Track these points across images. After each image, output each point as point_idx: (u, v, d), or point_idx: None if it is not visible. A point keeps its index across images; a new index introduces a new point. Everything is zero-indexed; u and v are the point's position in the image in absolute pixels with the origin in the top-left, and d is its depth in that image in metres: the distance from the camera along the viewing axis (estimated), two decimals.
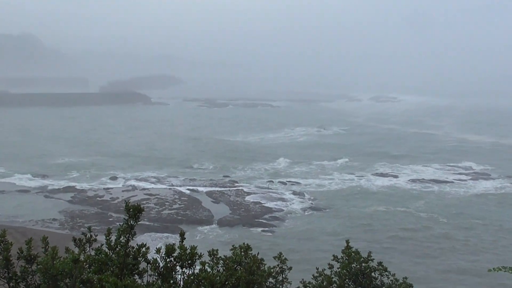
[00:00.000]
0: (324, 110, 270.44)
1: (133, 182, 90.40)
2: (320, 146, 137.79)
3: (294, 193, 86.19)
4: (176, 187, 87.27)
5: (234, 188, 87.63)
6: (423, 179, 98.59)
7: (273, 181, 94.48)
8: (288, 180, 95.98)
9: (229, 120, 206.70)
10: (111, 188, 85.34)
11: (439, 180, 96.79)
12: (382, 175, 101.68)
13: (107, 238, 11.39)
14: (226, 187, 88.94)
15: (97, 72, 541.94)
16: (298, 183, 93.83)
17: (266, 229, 67.68)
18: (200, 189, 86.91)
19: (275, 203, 79.67)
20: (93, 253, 11.23)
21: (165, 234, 64.09)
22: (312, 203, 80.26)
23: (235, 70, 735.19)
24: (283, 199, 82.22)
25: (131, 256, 10.99)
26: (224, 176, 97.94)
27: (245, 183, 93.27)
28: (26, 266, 11.30)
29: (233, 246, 12.28)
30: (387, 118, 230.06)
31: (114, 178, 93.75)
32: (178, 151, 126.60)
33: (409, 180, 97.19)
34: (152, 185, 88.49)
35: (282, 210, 76.17)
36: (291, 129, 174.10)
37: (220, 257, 11.49)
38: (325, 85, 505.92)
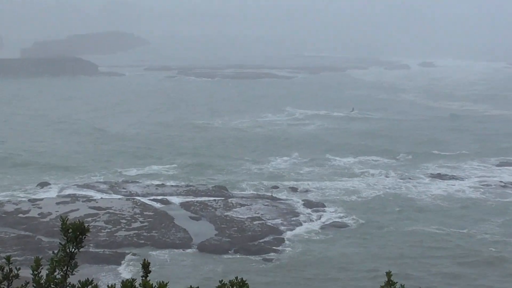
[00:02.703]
0: (356, 81, 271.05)
1: (72, 190, 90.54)
2: (347, 136, 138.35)
3: (309, 204, 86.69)
4: (137, 197, 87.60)
5: (222, 198, 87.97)
6: (502, 182, 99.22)
7: (278, 187, 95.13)
8: (300, 184, 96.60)
9: (216, 97, 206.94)
10: (40, 200, 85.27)
11: None
12: (440, 177, 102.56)
13: (35, 272, 11.40)
14: (210, 195, 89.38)
15: (18, 28, 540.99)
16: (314, 189, 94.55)
17: (269, 256, 68.21)
18: (172, 199, 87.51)
19: (281, 219, 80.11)
20: None
21: (121, 266, 64.42)
22: (334, 219, 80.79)
23: (224, 25, 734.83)
24: (293, 213, 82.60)
25: None
26: (207, 180, 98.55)
27: (237, 190, 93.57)
28: None
29: (220, 282, 12.31)
30: (451, 92, 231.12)
31: (44, 184, 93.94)
32: (138, 142, 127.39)
33: (479, 185, 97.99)
34: (102, 195, 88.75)
35: (292, 229, 76.74)
36: (306, 111, 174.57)
37: None
38: (353, 47, 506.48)
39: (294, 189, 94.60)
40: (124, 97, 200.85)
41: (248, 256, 68.38)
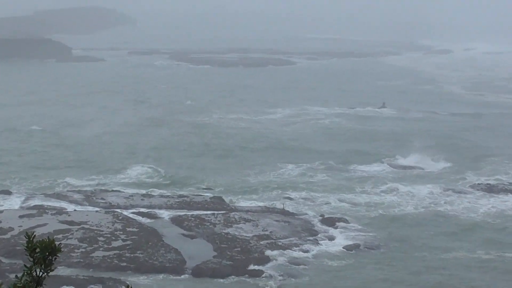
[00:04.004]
0: (388, 70, 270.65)
1: (39, 201, 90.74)
2: (375, 138, 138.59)
3: (328, 219, 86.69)
4: (118, 210, 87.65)
5: (222, 212, 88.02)
6: None
7: (291, 198, 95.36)
8: (317, 196, 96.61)
9: (214, 88, 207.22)
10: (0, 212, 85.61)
11: None
12: (491, 190, 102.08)
13: None
14: (207, 208, 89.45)
15: None
16: (334, 202, 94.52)
17: (279, 284, 67.92)
18: (161, 212, 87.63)
19: (295, 237, 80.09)
20: None
21: None
22: (359, 240, 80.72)
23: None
24: (309, 230, 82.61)
25: None
26: (203, 189, 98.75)
27: (240, 202, 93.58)
28: None
29: None
30: (508, 84, 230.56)
31: (4, 192, 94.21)
32: (118, 143, 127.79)
33: None
34: (75, 206, 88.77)
35: (308, 251, 76.70)
36: (323, 108, 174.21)
37: None
38: (384, 29, 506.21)
39: (310, 201, 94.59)
40: (102, 87, 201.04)
41: (253, 283, 68.30)
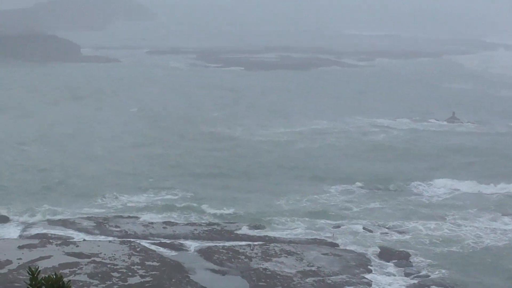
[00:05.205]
0: (457, 71, 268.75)
1: (42, 229, 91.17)
2: (442, 155, 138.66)
3: (386, 253, 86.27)
4: (135, 239, 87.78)
5: (259, 242, 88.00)
6: None
7: (341, 226, 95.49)
8: (372, 225, 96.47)
9: (248, 94, 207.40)
10: None
11: None
12: None
13: None
14: (241, 238, 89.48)
15: None
16: (393, 232, 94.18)
17: None
18: (187, 243, 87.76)
19: (346, 274, 79.89)
20: None
21: None
22: (424, 279, 79.96)
23: None
24: (363, 266, 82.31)
25: None
26: (232, 214, 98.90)
27: (280, 230, 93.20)
28: None
29: None
30: None
31: (1, 220, 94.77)
32: (135, 160, 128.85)
33: None
34: (85, 235, 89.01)
35: None
36: (379, 119, 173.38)
37: None
38: (447, 25, 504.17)
39: (363, 231, 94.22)
40: (115, 94, 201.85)
41: None
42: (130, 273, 78.04)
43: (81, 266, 79.15)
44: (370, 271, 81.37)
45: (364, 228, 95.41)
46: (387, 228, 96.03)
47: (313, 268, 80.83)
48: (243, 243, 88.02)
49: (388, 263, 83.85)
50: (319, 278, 78.58)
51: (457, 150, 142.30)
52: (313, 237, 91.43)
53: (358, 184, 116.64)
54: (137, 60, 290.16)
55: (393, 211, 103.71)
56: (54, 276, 12.01)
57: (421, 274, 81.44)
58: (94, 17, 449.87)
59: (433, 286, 78.42)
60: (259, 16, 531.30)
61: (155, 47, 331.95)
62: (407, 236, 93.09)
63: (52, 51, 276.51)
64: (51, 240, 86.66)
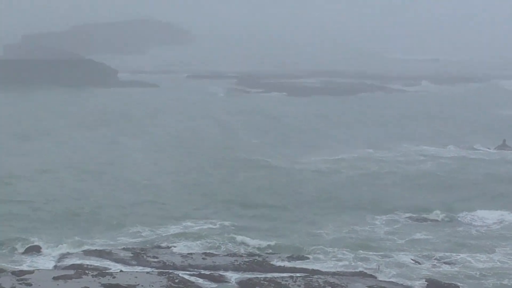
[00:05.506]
0: (508, 96, 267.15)
1: (77, 259, 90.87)
2: (494, 184, 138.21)
3: (434, 286, 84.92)
4: (174, 271, 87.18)
5: (302, 274, 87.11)
6: None
7: (389, 256, 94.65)
8: (420, 256, 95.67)
9: (291, 119, 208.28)
10: (30, 273, 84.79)
11: None
12: None
13: None
14: (283, 270, 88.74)
15: (0, 17, 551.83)
16: (442, 263, 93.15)
17: None
18: (227, 275, 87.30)
19: None
20: None
21: None
22: None
23: (300, 7, 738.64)
24: None
25: None
26: (273, 245, 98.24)
27: (322, 260, 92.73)
28: None
29: None
30: None
31: (33, 249, 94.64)
32: (174, 189, 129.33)
33: None
34: (122, 266, 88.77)
35: None
36: (426, 146, 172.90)
37: None
38: (491, 47, 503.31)
39: (410, 263, 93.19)
40: (153, 121, 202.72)
41: None
42: None
43: None
44: None
45: (410, 260, 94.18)
46: (434, 259, 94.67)
47: None
48: (285, 274, 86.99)
49: None
50: None
51: (508, 180, 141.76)
52: (357, 269, 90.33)
53: (403, 214, 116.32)
54: (176, 85, 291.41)
55: (440, 242, 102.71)
56: None
57: None
58: (131, 40, 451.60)
59: None
60: (302, 39, 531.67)
61: (195, 72, 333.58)
62: (455, 268, 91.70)
63: (89, 76, 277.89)
64: (87, 271, 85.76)
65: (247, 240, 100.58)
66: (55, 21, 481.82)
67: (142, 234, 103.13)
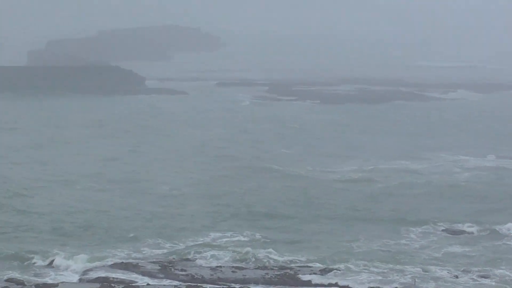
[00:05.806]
0: None
1: (103, 272, 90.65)
2: None
3: None
4: (202, 284, 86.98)
5: None
6: None
7: (427, 271, 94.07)
8: (460, 271, 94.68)
9: (323, 128, 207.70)
10: (55, 286, 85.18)
11: None
12: None
13: None
14: (314, 283, 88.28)
15: (25, 23, 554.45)
16: (478, 277, 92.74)
17: None
18: None
19: None
20: None
21: None
22: None
23: (328, 17, 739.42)
24: None
25: None
26: (304, 258, 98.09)
27: (355, 273, 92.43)
28: None
29: None
30: None
31: (57, 262, 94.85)
32: (200, 200, 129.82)
33: None
34: (149, 279, 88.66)
35: None
36: (467, 156, 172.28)
37: None
38: None
39: (447, 277, 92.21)
40: (180, 129, 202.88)
41: None
42: None
43: None
44: None
45: (447, 274, 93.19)
46: (471, 274, 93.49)
47: None
48: None
49: None
50: None
51: None
52: (392, 284, 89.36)
53: (439, 226, 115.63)
54: (205, 92, 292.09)
55: (478, 255, 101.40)
56: None
57: None
58: (159, 47, 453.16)
59: None
60: (338, 49, 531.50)
61: (225, 79, 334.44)
62: (493, 283, 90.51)
63: (115, 83, 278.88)
64: (112, 284, 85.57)
65: (278, 252, 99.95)
66: (81, 26, 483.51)
67: (167, 245, 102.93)
